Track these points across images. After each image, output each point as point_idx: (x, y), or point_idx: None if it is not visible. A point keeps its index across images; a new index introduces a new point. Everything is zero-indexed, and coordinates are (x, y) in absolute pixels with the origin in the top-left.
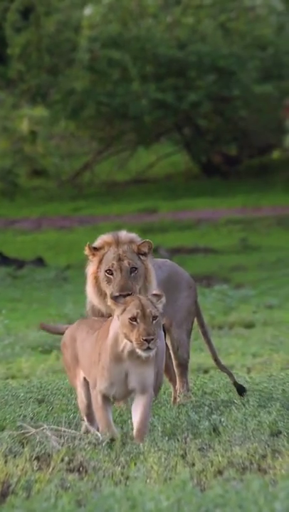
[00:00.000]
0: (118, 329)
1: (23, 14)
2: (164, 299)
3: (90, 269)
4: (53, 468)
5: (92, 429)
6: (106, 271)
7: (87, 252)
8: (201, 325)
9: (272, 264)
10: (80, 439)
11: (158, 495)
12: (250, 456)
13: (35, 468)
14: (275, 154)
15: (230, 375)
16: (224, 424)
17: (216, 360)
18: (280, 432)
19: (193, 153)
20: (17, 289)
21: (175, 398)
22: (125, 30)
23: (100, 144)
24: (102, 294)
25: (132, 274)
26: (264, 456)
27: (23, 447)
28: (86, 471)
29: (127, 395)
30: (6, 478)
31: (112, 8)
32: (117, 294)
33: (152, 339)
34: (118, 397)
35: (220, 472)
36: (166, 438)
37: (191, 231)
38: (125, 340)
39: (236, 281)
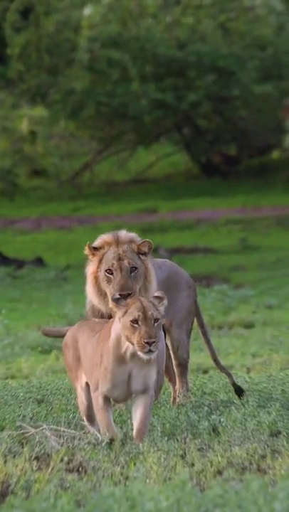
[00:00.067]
0: (120, 331)
1: (23, 14)
2: (166, 301)
3: (90, 268)
4: (53, 468)
5: (91, 430)
6: (106, 270)
7: (87, 251)
8: (201, 325)
9: (271, 264)
10: (79, 439)
11: (157, 495)
12: (249, 456)
13: (34, 468)
14: (275, 154)
15: (230, 375)
16: (224, 424)
17: (215, 360)
18: (280, 432)
19: (192, 153)
20: (17, 289)
21: (174, 398)
22: (125, 30)
23: (100, 144)
24: (102, 294)
25: (132, 274)
26: (263, 457)
27: (23, 447)
28: (85, 471)
29: (129, 396)
30: (6, 478)
31: (111, 8)
32: (117, 293)
33: (154, 342)
34: (120, 398)
35: (219, 472)
36: (166, 438)
37: (190, 231)
38: (127, 343)
39: (236, 282)
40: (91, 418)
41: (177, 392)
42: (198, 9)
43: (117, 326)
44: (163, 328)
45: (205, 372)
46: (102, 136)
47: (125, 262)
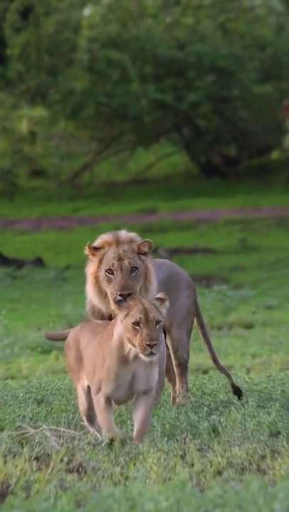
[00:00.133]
0: (122, 333)
1: (23, 14)
2: (167, 303)
3: (90, 268)
4: (52, 469)
5: (91, 430)
6: (106, 270)
7: (87, 251)
8: (201, 326)
9: (271, 264)
10: (79, 439)
11: (157, 495)
12: (249, 456)
13: (34, 468)
14: (275, 154)
15: (229, 376)
16: (223, 424)
17: (215, 361)
18: (280, 433)
19: (192, 154)
20: (16, 289)
21: (174, 398)
22: (125, 30)
23: (100, 145)
24: (102, 294)
25: (133, 274)
26: (263, 457)
27: (23, 447)
28: (85, 472)
29: (130, 397)
30: (6, 478)
31: (111, 9)
32: (118, 293)
33: (155, 344)
34: (121, 399)
35: (219, 473)
36: (166, 438)
37: (190, 231)
38: (130, 344)
39: (236, 282)
40: (91, 419)
41: (177, 392)
42: (198, 9)
43: (120, 327)
44: (163, 328)
45: (205, 372)
46: (101, 137)
47: (126, 262)
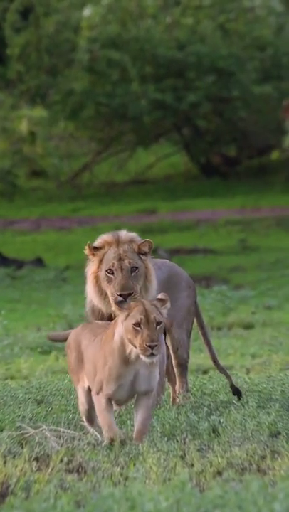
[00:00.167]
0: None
1: (23, 15)
2: (168, 304)
3: (91, 268)
4: (52, 469)
5: (91, 430)
6: (107, 270)
7: (87, 251)
8: (201, 326)
9: (271, 264)
10: (79, 439)
11: (157, 495)
12: (249, 457)
13: (34, 468)
14: (275, 155)
15: (228, 377)
16: (223, 424)
17: (214, 361)
18: (279, 433)
19: (192, 154)
20: (16, 289)
21: (174, 399)
22: (124, 30)
23: (99, 145)
24: (102, 294)
25: (133, 274)
26: (263, 457)
27: (22, 448)
28: (85, 472)
29: (131, 397)
30: (5, 478)
31: (111, 9)
32: (118, 293)
33: (156, 345)
34: (122, 400)
35: (219, 473)
36: (166, 439)
37: (190, 232)
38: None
39: (235, 282)
40: (91, 419)
41: (177, 392)
42: (197, 10)
43: (121, 328)
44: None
45: (205, 372)
46: (101, 137)
47: (126, 262)
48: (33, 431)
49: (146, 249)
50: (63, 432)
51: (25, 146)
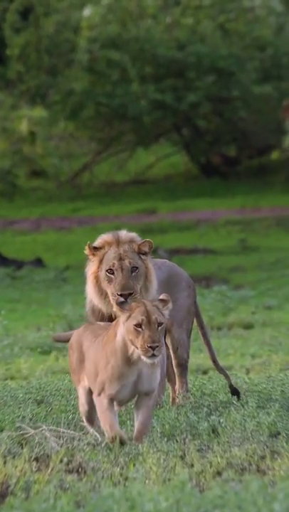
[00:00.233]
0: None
1: (23, 15)
2: (170, 305)
3: (91, 268)
4: (52, 469)
5: (91, 430)
6: (107, 270)
7: (87, 251)
8: (201, 326)
9: (271, 264)
10: (78, 439)
11: (157, 496)
12: (249, 457)
13: (34, 469)
14: (274, 155)
15: (227, 377)
16: (223, 425)
17: (214, 361)
18: (279, 433)
19: (192, 154)
20: (16, 289)
21: (174, 399)
22: (124, 30)
23: (99, 145)
24: (102, 294)
25: (133, 274)
26: (263, 457)
27: (22, 448)
28: (85, 472)
29: (133, 397)
30: (5, 479)
31: (111, 9)
32: (118, 293)
33: (157, 346)
34: (124, 400)
35: (219, 473)
36: (165, 439)
37: (190, 232)
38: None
39: (235, 282)
40: (91, 420)
41: (177, 392)
42: (197, 10)
43: (123, 328)
44: None
45: (204, 373)
46: (101, 137)
47: (126, 262)
48: (32, 431)
49: (146, 249)
50: (63, 432)
51: (25, 146)
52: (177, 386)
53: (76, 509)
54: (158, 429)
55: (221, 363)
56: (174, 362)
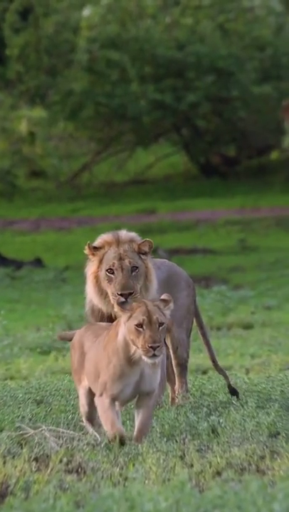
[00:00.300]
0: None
1: (22, 15)
2: (172, 305)
3: (91, 268)
4: (52, 469)
5: (91, 430)
6: (107, 270)
7: (87, 251)
8: (200, 326)
9: (270, 264)
10: (78, 440)
11: (156, 496)
12: (248, 457)
13: (33, 469)
14: (274, 155)
15: (226, 377)
16: (223, 425)
17: (213, 361)
18: (279, 433)
19: (192, 154)
20: (15, 289)
21: (173, 399)
22: (124, 31)
23: (99, 145)
24: (102, 294)
25: (133, 273)
26: (262, 457)
27: (22, 448)
28: (85, 472)
29: (133, 397)
30: (5, 479)
31: (110, 9)
32: (118, 293)
33: (158, 346)
34: (126, 400)
35: (218, 473)
36: (165, 439)
37: (189, 232)
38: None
39: (235, 282)
40: (91, 419)
41: (176, 392)
42: (197, 10)
43: (124, 328)
44: None
45: (204, 373)
46: (101, 137)
47: (126, 262)
48: (32, 431)
49: (146, 248)
50: (63, 432)
51: (24, 147)
52: (177, 386)
53: (76, 509)
54: (157, 429)
55: (221, 363)
56: (173, 362)
